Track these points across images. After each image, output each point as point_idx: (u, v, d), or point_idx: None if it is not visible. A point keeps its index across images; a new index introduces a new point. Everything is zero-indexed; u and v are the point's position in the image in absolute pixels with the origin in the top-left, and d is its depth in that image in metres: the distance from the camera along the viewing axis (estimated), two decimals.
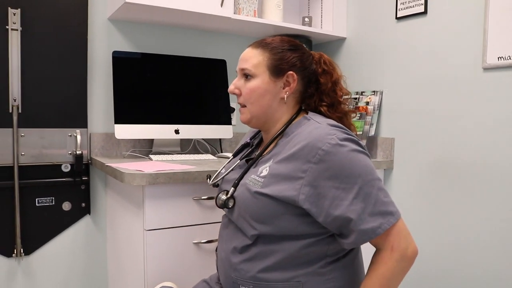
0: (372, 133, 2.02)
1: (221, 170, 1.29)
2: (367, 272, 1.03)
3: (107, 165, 1.61)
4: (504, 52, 1.57)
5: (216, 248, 1.26)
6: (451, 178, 1.75)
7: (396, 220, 0.99)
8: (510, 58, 1.55)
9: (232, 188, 1.12)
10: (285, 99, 1.13)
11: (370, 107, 2.03)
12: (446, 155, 1.77)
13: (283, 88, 1.13)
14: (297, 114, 1.16)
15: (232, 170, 1.22)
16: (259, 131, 1.31)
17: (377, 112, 2.03)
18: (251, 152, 1.26)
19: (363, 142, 1.99)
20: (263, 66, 1.12)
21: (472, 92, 1.68)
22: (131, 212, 1.59)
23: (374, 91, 2.05)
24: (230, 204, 1.11)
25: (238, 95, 1.16)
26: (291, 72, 1.12)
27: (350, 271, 1.10)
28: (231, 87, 1.17)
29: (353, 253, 1.12)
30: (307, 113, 1.15)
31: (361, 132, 2.01)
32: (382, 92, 2.03)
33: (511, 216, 1.56)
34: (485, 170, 1.64)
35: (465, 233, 1.70)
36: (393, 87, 1.99)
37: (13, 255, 1.76)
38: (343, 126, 1.09)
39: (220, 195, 1.13)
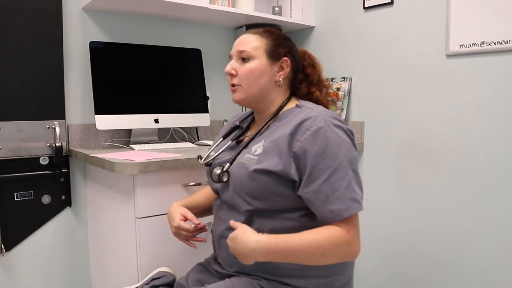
0: (343, 117, 2.13)
1: (210, 152, 1.34)
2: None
3: (92, 156, 1.62)
4: (465, 40, 1.71)
5: (212, 230, 1.31)
6: (418, 158, 1.89)
7: (360, 210, 1.05)
8: (470, 46, 1.69)
9: (228, 164, 1.18)
10: (279, 82, 1.21)
11: (340, 93, 2.14)
12: (413, 136, 1.90)
13: (278, 72, 1.21)
14: (289, 99, 1.24)
15: (223, 151, 1.28)
16: (248, 116, 1.37)
17: (347, 97, 2.14)
18: (241, 134, 1.32)
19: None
20: (261, 50, 1.20)
21: (437, 77, 1.81)
22: (119, 202, 1.61)
23: (344, 77, 2.16)
24: (225, 178, 1.17)
25: (234, 76, 1.22)
26: (285, 58, 1.21)
27: None
28: (227, 68, 1.23)
29: None
30: (298, 101, 1.24)
31: None
32: (351, 78, 2.14)
33: (473, 190, 1.72)
34: (449, 149, 1.78)
35: (433, 209, 1.85)
36: (362, 73, 2.10)
37: None
38: (336, 114, 1.16)
39: (215, 170, 1.18)
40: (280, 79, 1.21)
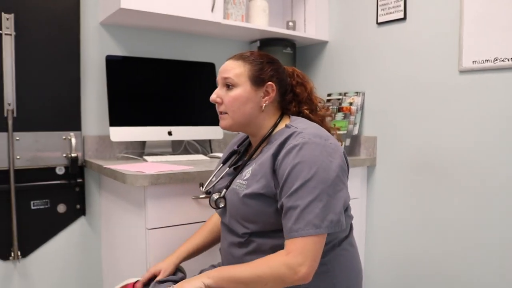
0: (355, 132, 2.13)
1: (212, 178, 1.37)
2: None
3: (105, 167, 1.65)
4: (478, 56, 1.70)
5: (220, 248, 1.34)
6: (431, 174, 1.87)
7: (314, 234, 1.02)
8: (483, 62, 1.68)
9: (224, 190, 1.22)
10: (263, 107, 1.21)
11: (353, 107, 2.14)
12: (426, 152, 1.89)
13: (263, 98, 1.21)
14: (280, 119, 1.24)
15: (221, 178, 1.30)
16: (245, 139, 1.39)
17: (360, 112, 2.14)
18: (239, 159, 1.33)
19: (347, 142, 2.10)
20: (245, 76, 1.19)
21: (450, 93, 1.80)
22: (130, 212, 1.64)
23: (357, 92, 2.16)
24: (221, 204, 1.21)
25: (219, 104, 1.23)
26: (270, 82, 1.20)
27: (347, 257, 1.20)
28: (212, 96, 1.23)
29: (347, 241, 1.21)
30: (289, 119, 1.24)
31: (345, 131, 2.11)
32: (364, 93, 2.14)
33: (488, 208, 1.70)
34: (463, 165, 1.76)
35: (447, 227, 1.82)
36: (375, 88, 2.10)
37: (10, 258, 1.78)
38: (325, 133, 1.15)
39: (213, 195, 1.23)
40: (264, 104, 1.20)
